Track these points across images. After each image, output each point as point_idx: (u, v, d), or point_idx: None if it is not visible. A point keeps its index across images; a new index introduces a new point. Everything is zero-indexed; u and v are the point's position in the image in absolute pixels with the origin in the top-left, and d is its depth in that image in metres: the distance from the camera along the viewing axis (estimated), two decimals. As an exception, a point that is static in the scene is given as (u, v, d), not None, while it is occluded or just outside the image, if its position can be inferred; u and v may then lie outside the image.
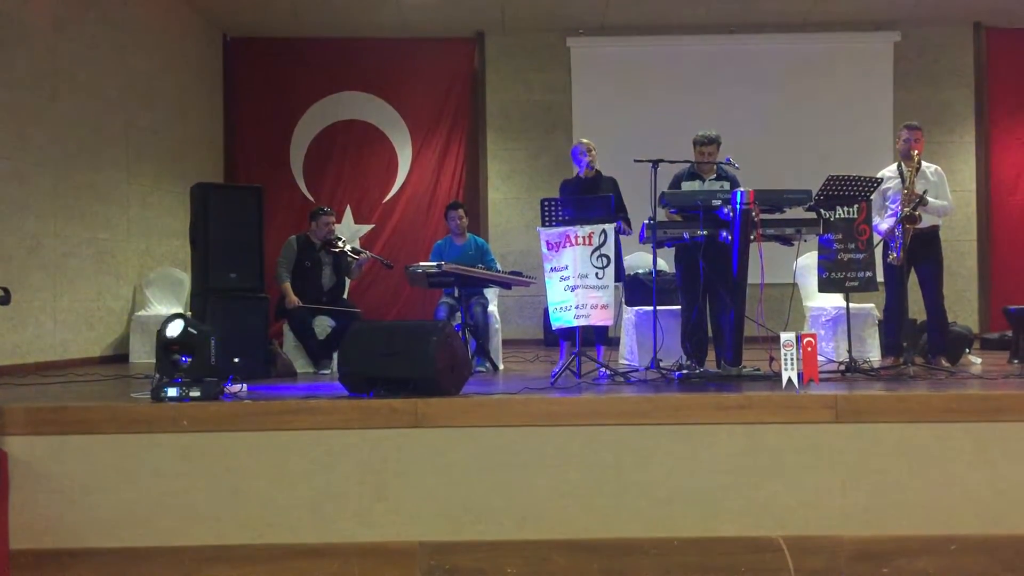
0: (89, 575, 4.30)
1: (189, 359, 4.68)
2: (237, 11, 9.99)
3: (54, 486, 4.34)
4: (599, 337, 6.22)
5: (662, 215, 5.78)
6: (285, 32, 10.53)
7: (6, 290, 4.24)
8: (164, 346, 4.71)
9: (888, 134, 9.99)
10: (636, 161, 5.79)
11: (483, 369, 6.71)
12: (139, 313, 8.50)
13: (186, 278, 8.65)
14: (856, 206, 5.84)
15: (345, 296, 7.32)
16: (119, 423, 4.41)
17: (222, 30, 10.58)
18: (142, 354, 8.13)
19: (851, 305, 6.12)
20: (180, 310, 8.46)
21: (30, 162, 7.17)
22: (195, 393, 4.59)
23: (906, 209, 5.96)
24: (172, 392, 4.58)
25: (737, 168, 5.96)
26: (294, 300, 6.82)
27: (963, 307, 10.07)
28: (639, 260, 7.56)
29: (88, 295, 7.98)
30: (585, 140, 6.55)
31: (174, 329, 4.73)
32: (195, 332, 4.74)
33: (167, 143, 9.32)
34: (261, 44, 10.67)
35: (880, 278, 6.07)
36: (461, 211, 7.25)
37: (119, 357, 8.30)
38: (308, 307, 6.85)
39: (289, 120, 10.66)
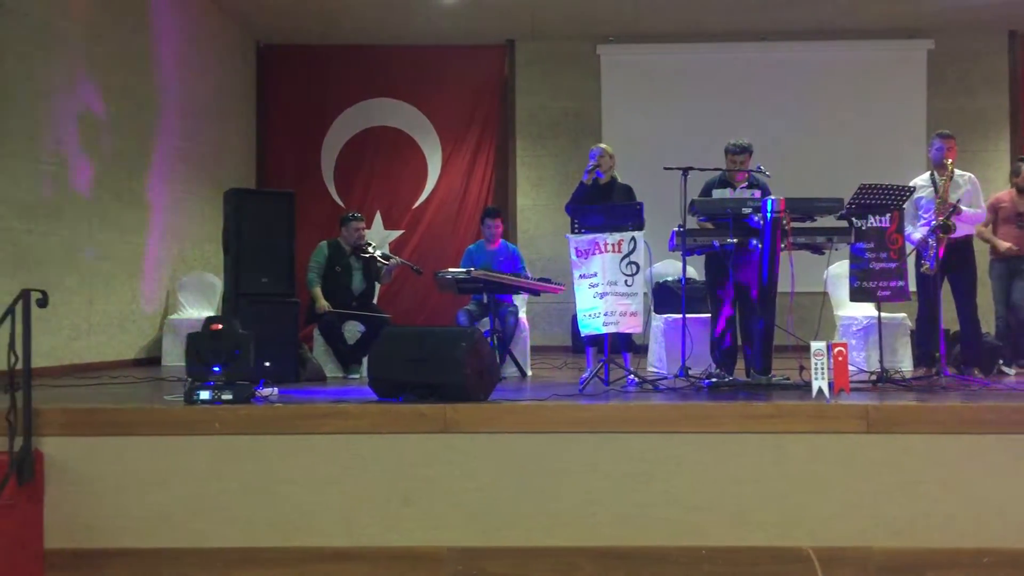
0: (122, 575, 4.36)
1: (223, 365, 4.73)
2: (270, 19, 10.10)
3: (88, 487, 4.41)
4: (625, 344, 6.21)
5: (692, 223, 5.76)
6: (317, 39, 10.63)
7: (44, 293, 4.31)
8: (199, 344, 4.78)
9: (921, 142, 9.89)
10: (666, 168, 5.78)
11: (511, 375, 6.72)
12: (172, 317, 8.60)
13: (218, 282, 8.74)
14: (888, 215, 5.80)
15: (375, 301, 7.36)
16: (152, 425, 4.48)
17: (256, 37, 10.71)
18: (174, 357, 8.22)
19: (883, 314, 6.07)
20: (212, 314, 8.56)
21: (66, 166, 7.28)
22: (227, 396, 4.64)
23: (939, 219, 5.91)
24: (204, 395, 4.63)
25: (768, 176, 5.93)
26: (324, 305, 6.87)
27: (997, 317, 9.94)
28: (668, 268, 7.54)
29: (122, 299, 8.09)
30: (603, 145, 6.51)
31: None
32: (239, 332, 4.83)
33: (201, 149, 9.43)
34: (294, 51, 10.79)
35: (912, 287, 6.02)
36: (499, 219, 7.26)
37: (152, 360, 8.40)
38: (338, 312, 6.89)
39: (320, 126, 10.77)
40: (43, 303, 4.29)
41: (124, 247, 8.10)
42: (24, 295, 4.29)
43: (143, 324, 8.43)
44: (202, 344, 4.82)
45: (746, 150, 5.96)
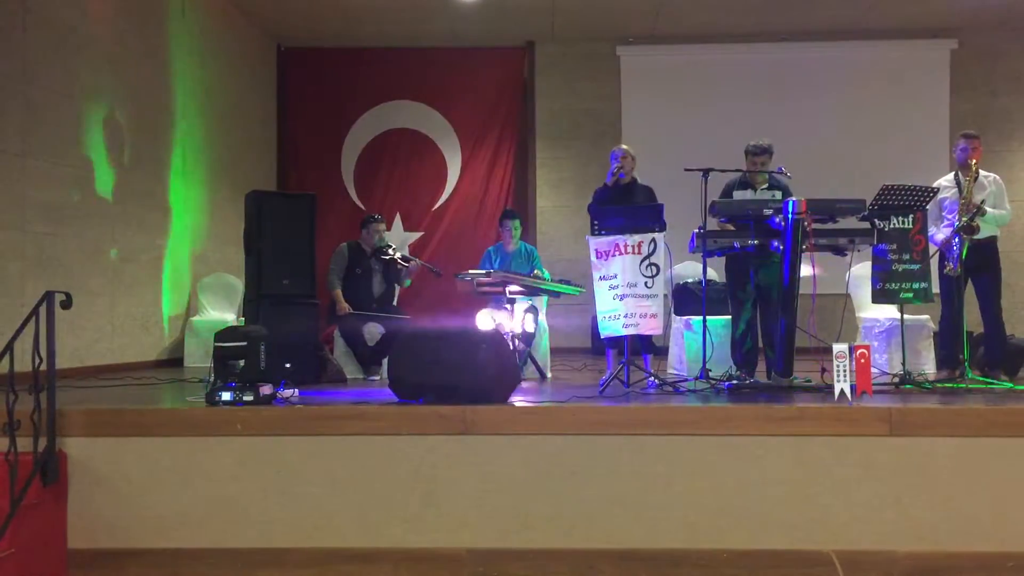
0: (144, 574, 4.39)
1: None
2: (291, 22, 10.15)
3: (111, 487, 4.45)
4: (645, 346, 6.19)
5: (712, 224, 5.74)
6: (338, 42, 10.68)
7: (67, 295, 4.34)
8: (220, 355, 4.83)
9: (944, 142, 9.82)
10: (687, 170, 5.75)
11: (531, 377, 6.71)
12: (194, 318, 8.65)
13: (240, 284, 8.79)
14: (911, 216, 5.75)
15: (395, 303, 7.38)
16: (174, 426, 4.51)
17: (276, 40, 10.76)
18: (196, 358, 8.27)
19: (906, 316, 6.02)
20: (234, 315, 8.61)
21: (90, 170, 7.34)
22: (248, 397, 4.67)
23: (963, 219, 5.86)
24: (226, 396, 4.67)
25: (789, 177, 5.90)
26: (345, 307, 6.89)
27: (1021, 320, 9.83)
28: (688, 269, 7.51)
29: (145, 300, 8.15)
30: (624, 146, 6.51)
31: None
32: (246, 336, 4.87)
33: (222, 151, 9.50)
34: (314, 54, 10.84)
35: (936, 289, 5.96)
36: (517, 221, 7.27)
37: (174, 361, 8.45)
38: (358, 314, 6.91)
39: (341, 128, 10.82)
40: (67, 305, 4.33)
41: (147, 249, 8.16)
42: (48, 297, 4.33)
43: (165, 325, 8.49)
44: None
45: (766, 151, 5.93)
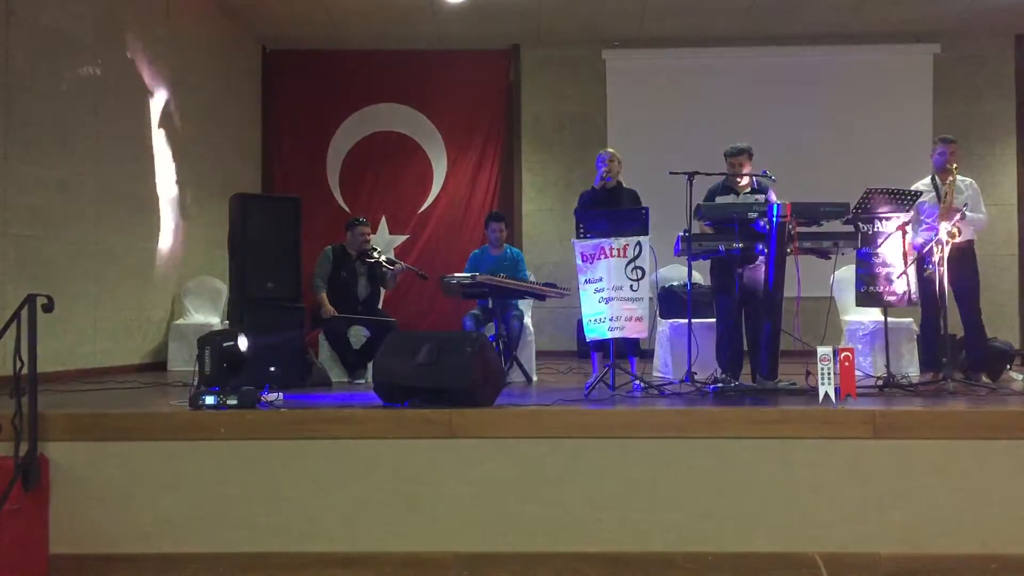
0: (127, 580, 4.36)
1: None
2: (276, 24, 10.12)
3: (93, 492, 4.42)
4: (631, 349, 6.20)
5: (697, 228, 5.76)
6: (323, 44, 10.65)
7: (49, 298, 4.31)
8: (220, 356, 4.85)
9: (927, 147, 9.73)
10: (672, 173, 5.77)
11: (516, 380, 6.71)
12: (177, 322, 8.59)
13: (224, 287, 8.74)
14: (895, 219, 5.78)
15: (380, 306, 7.35)
16: (158, 430, 4.49)
17: (261, 43, 10.73)
18: (180, 362, 8.21)
19: (889, 319, 6.05)
20: (218, 319, 8.56)
21: (73, 172, 7.29)
22: (232, 401, 4.65)
23: (948, 225, 5.89)
24: (210, 400, 4.64)
25: (774, 181, 5.92)
26: (330, 310, 6.87)
27: (1004, 322, 9.89)
28: (674, 272, 7.52)
29: (128, 303, 8.09)
30: (611, 150, 6.53)
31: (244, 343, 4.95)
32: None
33: (207, 153, 9.45)
34: (299, 56, 10.81)
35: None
36: (502, 223, 7.26)
37: (158, 365, 8.40)
38: (343, 317, 6.89)
39: (326, 131, 10.78)
40: (49, 308, 4.30)
41: (130, 252, 8.11)
42: (29, 300, 4.30)
43: (149, 329, 8.43)
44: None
45: (743, 152, 5.96)
